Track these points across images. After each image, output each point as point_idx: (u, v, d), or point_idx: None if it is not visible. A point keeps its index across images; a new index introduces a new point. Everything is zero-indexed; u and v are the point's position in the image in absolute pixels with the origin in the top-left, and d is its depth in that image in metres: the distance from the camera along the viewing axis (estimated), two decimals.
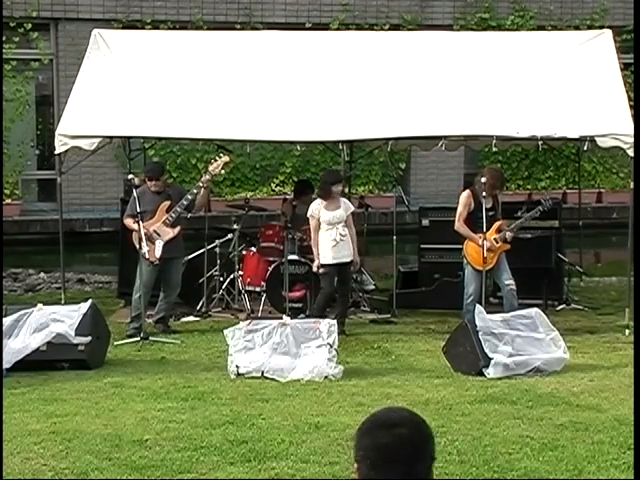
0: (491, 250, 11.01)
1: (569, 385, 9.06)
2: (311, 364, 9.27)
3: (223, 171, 11.99)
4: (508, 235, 11.23)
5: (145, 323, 11.01)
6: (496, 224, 11.25)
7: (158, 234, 11.30)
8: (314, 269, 11.45)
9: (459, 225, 11.31)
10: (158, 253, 11.23)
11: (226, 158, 11.72)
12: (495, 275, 11.42)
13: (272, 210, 15.42)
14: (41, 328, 9.60)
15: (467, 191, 11.45)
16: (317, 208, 11.37)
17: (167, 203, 11.42)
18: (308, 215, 11.47)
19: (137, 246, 11.07)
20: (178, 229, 11.41)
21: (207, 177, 11.65)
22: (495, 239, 11.13)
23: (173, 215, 11.36)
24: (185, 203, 11.37)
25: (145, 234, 11.02)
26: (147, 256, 11.04)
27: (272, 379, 9.20)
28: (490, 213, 11.13)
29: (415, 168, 19.92)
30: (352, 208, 11.62)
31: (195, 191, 11.54)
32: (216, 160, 11.73)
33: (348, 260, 11.39)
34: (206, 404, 8.41)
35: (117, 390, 8.88)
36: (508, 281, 11.10)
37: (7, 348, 9.35)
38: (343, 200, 11.54)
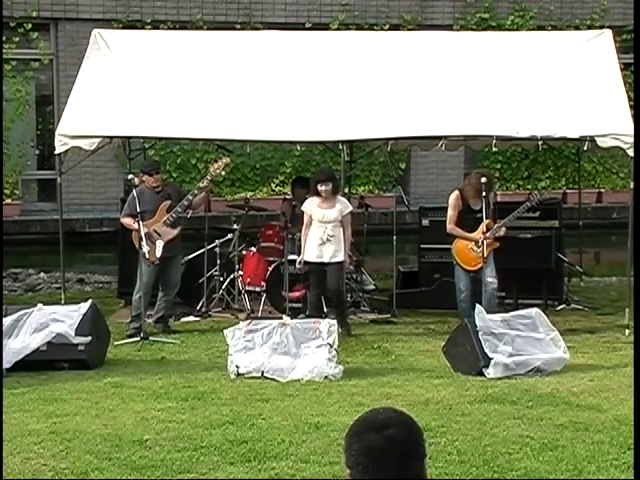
0: (478, 245, 10.97)
1: (569, 385, 9.05)
2: (311, 364, 9.27)
3: (224, 172, 11.99)
4: (497, 232, 11.16)
5: (145, 323, 11.01)
6: (484, 223, 11.13)
7: (159, 234, 11.30)
8: (297, 265, 11.35)
9: (451, 228, 11.32)
10: (159, 253, 11.25)
11: (227, 160, 11.72)
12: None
13: (272, 210, 15.40)
14: (41, 328, 9.60)
15: (455, 192, 11.43)
16: (310, 205, 11.33)
17: (167, 203, 11.44)
18: (302, 209, 11.45)
19: (137, 245, 11.07)
20: (179, 229, 11.43)
21: (208, 178, 11.64)
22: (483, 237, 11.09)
23: (174, 215, 11.37)
24: (186, 204, 11.39)
25: (146, 234, 11.03)
26: (147, 256, 11.05)
27: (272, 379, 9.20)
28: (478, 215, 11.08)
29: (415, 168, 19.92)
30: (350, 209, 11.42)
31: (196, 192, 11.55)
32: (217, 161, 11.73)
33: (331, 260, 11.14)
34: (206, 404, 8.40)
35: (117, 390, 8.88)
36: (490, 278, 11.04)
37: (7, 348, 9.35)
38: (341, 200, 11.43)
